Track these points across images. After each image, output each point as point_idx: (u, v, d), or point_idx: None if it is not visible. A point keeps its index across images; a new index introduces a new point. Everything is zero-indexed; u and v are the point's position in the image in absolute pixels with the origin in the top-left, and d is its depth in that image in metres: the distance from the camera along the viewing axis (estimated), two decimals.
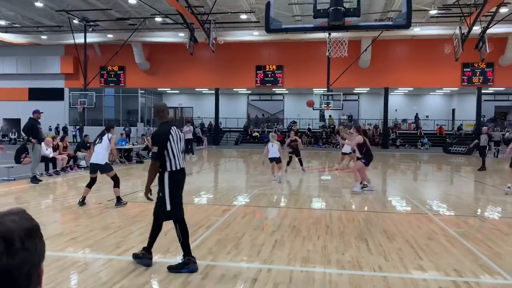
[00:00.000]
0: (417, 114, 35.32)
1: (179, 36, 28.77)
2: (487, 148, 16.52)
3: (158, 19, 26.64)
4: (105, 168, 8.15)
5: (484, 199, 9.85)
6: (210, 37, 25.28)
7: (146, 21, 26.81)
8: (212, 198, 9.59)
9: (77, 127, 32.82)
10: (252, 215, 7.45)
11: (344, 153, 15.43)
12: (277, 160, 11.91)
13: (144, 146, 20.84)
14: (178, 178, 4.66)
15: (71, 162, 14.57)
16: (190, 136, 21.59)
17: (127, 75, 33.45)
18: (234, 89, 35.26)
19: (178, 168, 4.63)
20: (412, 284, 4.25)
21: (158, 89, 36.23)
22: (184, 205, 7.51)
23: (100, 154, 8.13)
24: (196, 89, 35.66)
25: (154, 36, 29.99)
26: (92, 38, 29.50)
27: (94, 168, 8.15)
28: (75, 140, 30.45)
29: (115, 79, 33.56)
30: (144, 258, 4.72)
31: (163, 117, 4.82)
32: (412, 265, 4.84)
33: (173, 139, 4.63)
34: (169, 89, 36.69)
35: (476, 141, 16.99)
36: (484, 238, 6.12)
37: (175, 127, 4.75)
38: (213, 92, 33.72)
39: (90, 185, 8.18)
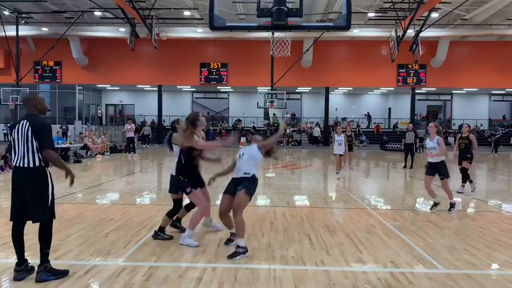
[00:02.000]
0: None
1: (120, 31, 27.86)
2: (414, 145, 16.61)
3: (97, 13, 25.64)
4: None
5: (417, 193, 10.42)
6: (153, 33, 24.76)
7: (85, 15, 25.73)
8: (155, 198, 9.39)
9: (8, 125, 30.78)
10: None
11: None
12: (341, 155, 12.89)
13: (83, 145, 20.02)
14: (12, 177, 4.27)
15: (1, 163, 13.66)
16: (131, 134, 20.96)
17: (64, 70, 31.88)
18: (178, 86, 34.74)
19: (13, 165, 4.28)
20: (353, 277, 4.41)
21: (97, 85, 34.88)
22: (127, 206, 7.30)
23: None
24: (138, 86, 34.75)
25: (93, 31, 28.82)
26: (25, 31, 27.84)
27: None
28: (6, 139, 28.55)
29: (50, 74, 31.87)
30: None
31: (28, 109, 4.46)
32: (353, 259, 5.02)
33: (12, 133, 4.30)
34: (109, 86, 35.45)
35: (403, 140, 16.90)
36: (418, 230, 6.48)
37: (24, 121, 4.33)
38: (156, 89, 33.02)
39: None
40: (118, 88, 36.45)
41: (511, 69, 30.86)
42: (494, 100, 37.33)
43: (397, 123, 35.92)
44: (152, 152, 24.80)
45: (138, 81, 32.73)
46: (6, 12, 25.02)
